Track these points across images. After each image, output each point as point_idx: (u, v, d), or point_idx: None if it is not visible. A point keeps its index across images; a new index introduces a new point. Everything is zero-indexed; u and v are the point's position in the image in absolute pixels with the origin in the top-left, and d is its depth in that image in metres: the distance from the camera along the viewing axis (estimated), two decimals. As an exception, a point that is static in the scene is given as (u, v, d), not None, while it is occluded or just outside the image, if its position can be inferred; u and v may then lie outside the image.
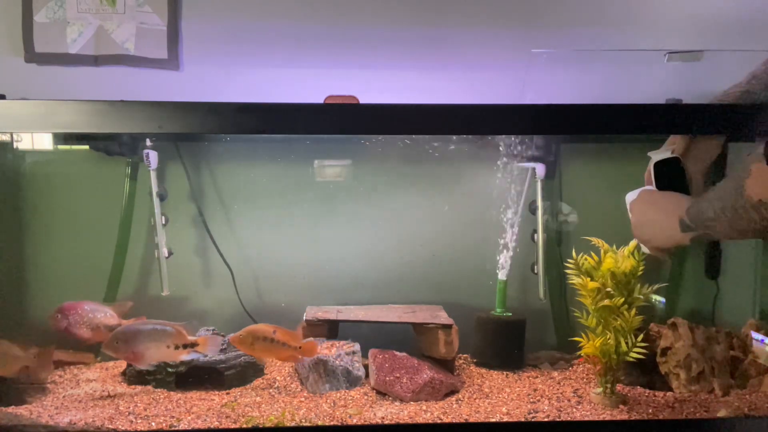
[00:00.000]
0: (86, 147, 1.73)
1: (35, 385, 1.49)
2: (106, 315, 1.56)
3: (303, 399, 1.45)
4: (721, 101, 1.34)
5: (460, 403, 1.45)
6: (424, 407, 1.40)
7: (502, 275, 1.73)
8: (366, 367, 1.55)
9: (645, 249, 1.33)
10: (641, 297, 1.42)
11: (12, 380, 1.45)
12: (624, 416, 1.37)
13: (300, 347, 1.46)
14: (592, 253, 1.47)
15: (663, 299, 1.78)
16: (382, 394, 1.49)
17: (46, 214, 1.78)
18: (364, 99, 1.47)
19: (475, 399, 1.47)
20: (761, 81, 1.31)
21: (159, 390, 1.50)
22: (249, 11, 1.78)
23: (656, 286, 1.45)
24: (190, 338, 1.46)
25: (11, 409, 1.36)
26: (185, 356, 1.46)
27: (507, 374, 1.64)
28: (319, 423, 1.32)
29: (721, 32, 1.76)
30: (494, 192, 1.75)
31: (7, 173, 1.75)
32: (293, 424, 1.32)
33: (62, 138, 1.69)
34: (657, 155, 1.37)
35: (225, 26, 1.77)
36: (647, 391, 1.51)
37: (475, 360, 1.72)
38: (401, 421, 1.33)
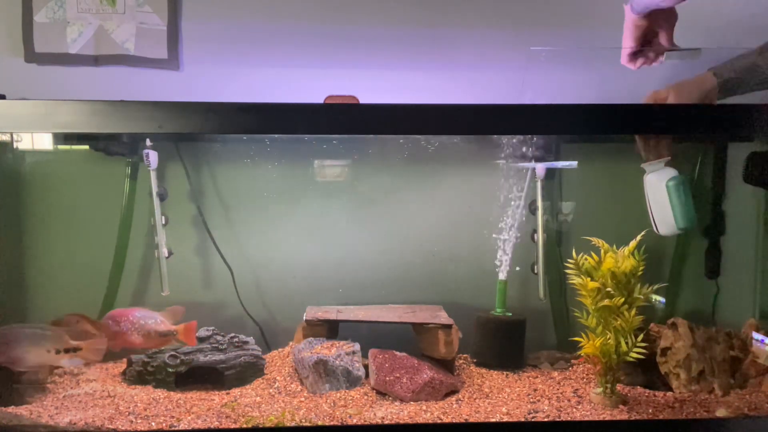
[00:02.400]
0: (86, 147, 1.73)
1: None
2: (156, 321, 1.56)
3: (303, 399, 1.45)
4: (725, 71, 1.31)
5: (460, 403, 1.45)
6: (424, 407, 1.40)
7: (502, 275, 1.73)
8: (366, 367, 1.55)
9: None
10: (641, 297, 1.43)
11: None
12: (624, 416, 1.37)
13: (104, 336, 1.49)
14: (592, 253, 1.47)
15: (663, 299, 1.78)
16: (382, 394, 1.49)
17: (46, 215, 1.77)
18: (364, 99, 1.47)
19: (475, 399, 1.47)
20: None
21: (159, 390, 1.50)
22: (249, 11, 1.77)
23: (656, 286, 1.45)
24: (72, 342, 1.41)
25: (11, 409, 1.36)
26: (66, 361, 1.42)
27: (507, 374, 1.64)
28: (319, 423, 1.32)
29: (720, 31, 1.76)
30: (494, 192, 1.75)
31: (7, 173, 1.75)
32: (293, 424, 1.32)
33: (62, 138, 1.69)
34: (650, 167, 1.43)
35: (225, 26, 1.77)
36: (647, 391, 1.51)
37: (475, 360, 1.72)
38: (401, 421, 1.33)
